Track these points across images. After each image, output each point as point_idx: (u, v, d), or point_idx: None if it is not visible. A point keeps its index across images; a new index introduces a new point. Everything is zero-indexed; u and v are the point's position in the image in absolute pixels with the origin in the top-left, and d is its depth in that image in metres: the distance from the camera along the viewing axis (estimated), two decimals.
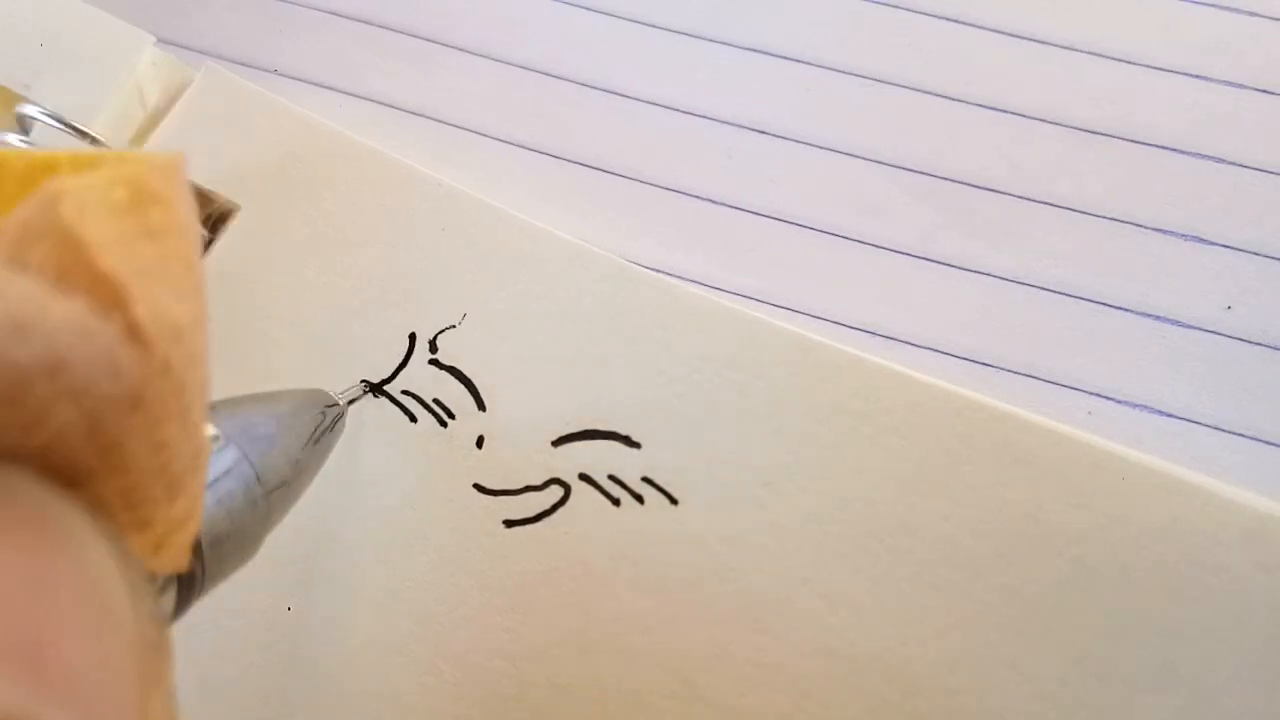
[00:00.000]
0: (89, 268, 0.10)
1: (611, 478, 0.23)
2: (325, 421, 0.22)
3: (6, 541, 0.09)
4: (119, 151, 0.11)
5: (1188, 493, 0.21)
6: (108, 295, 0.10)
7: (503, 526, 0.23)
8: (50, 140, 0.25)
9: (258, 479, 0.18)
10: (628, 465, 0.23)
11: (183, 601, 0.15)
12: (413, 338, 0.25)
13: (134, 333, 0.10)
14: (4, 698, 0.08)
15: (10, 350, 0.09)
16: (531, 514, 0.23)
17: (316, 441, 0.21)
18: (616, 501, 0.23)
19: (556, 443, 0.23)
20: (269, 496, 0.18)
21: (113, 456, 0.10)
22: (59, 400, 0.09)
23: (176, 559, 0.12)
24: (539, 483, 0.23)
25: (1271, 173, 0.26)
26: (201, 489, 0.12)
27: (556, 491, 0.23)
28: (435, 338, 0.24)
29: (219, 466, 0.17)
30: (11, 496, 0.09)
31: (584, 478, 0.23)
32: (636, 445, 0.23)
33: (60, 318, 0.09)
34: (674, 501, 0.22)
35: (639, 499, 0.23)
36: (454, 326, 0.24)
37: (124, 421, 0.10)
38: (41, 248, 0.10)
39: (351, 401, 0.24)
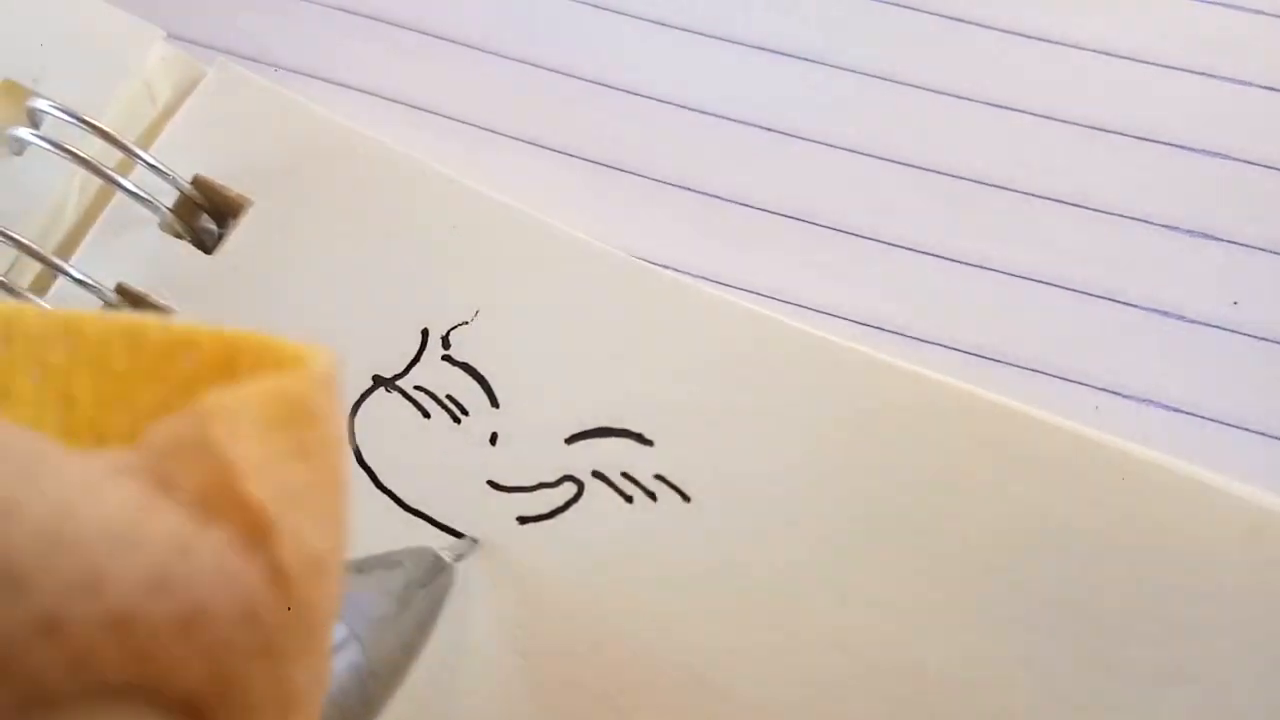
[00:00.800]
0: (237, 496, 0.09)
1: (625, 475, 0.23)
2: (438, 592, 0.20)
3: None
4: (264, 339, 0.11)
5: (1195, 488, 0.21)
6: (254, 528, 0.09)
7: (516, 523, 0.23)
8: (62, 134, 0.25)
9: (368, 665, 0.16)
10: (641, 463, 0.23)
11: None
12: (425, 333, 0.25)
13: (277, 575, 0.10)
14: None
15: (149, 606, 0.09)
16: (545, 511, 0.23)
17: (430, 616, 0.20)
18: (629, 499, 0.23)
19: (570, 440, 0.23)
20: (378, 682, 0.17)
21: (233, 695, 0.10)
22: (192, 656, 0.09)
23: None
24: (552, 480, 0.23)
25: (1277, 169, 0.26)
26: (319, 708, 0.11)
27: (570, 489, 0.23)
28: (448, 334, 0.25)
29: None
30: None
31: (597, 475, 0.23)
32: (649, 443, 0.23)
33: (204, 563, 0.09)
34: (687, 499, 0.23)
35: (652, 496, 0.23)
36: (467, 323, 0.25)
37: (252, 666, 0.10)
38: (189, 468, 0.09)
39: (459, 558, 0.22)
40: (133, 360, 0.11)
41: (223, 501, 0.09)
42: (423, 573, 0.20)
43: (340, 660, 0.16)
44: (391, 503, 0.24)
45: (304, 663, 0.10)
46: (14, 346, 0.11)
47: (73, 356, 0.11)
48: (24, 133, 0.26)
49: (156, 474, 0.09)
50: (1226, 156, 0.26)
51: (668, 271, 0.25)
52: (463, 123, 0.28)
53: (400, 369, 0.25)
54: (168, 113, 0.27)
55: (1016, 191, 0.26)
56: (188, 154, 0.26)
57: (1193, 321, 0.25)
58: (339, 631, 0.16)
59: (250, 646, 0.09)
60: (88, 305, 0.25)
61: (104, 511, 0.09)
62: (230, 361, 0.11)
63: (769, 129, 0.28)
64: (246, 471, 0.09)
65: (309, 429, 0.10)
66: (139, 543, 0.09)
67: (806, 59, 0.28)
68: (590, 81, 0.28)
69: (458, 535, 0.23)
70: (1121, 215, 0.26)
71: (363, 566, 0.19)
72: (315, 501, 0.10)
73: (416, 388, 0.24)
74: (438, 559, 0.21)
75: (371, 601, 0.17)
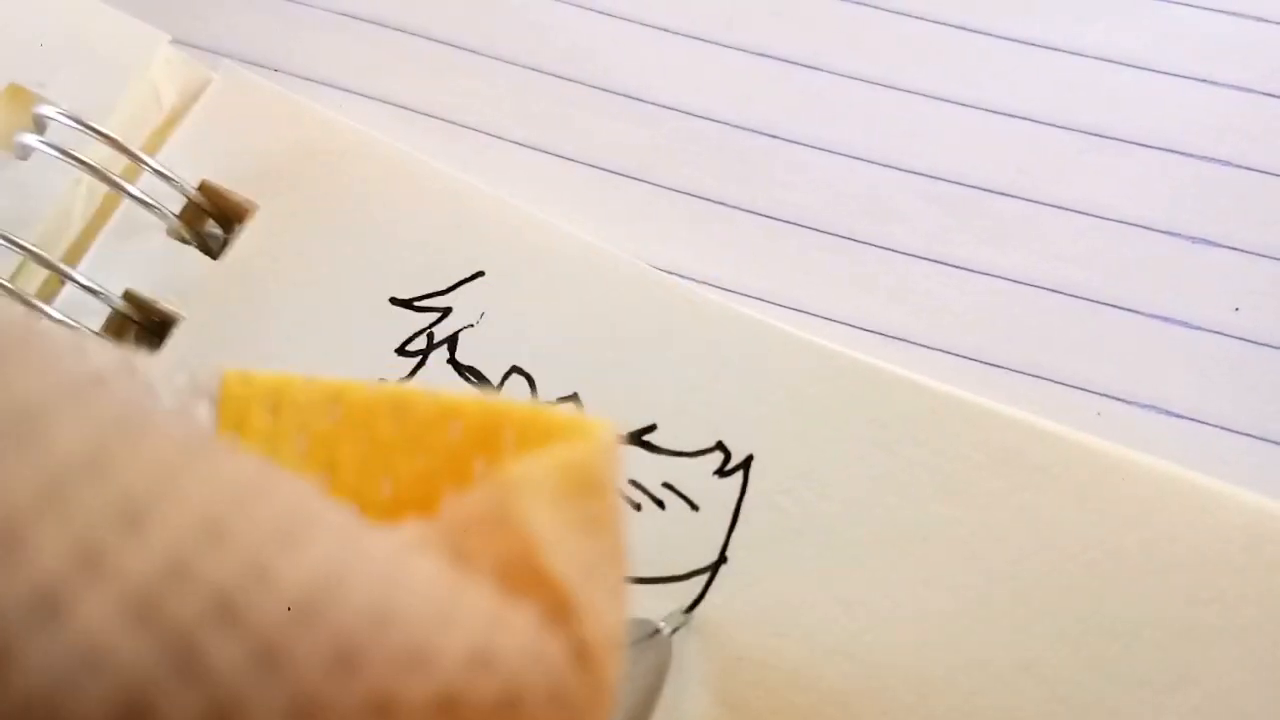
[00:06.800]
0: (537, 570, 0.09)
1: (633, 483, 0.23)
2: (659, 662, 0.20)
3: None
4: (530, 409, 0.11)
5: (1198, 494, 0.22)
6: (556, 605, 0.09)
7: None
8: (66, 140, 0.25)
9: None
10: (648, 470, 0.23)
11: None
12: (430, 336, 0.25)
13: (581, 653, 0.09)
14: None
15: (474, 685, 0.08)
16: None
17: (651, 688, 0.19)
18: (637, 506, 0.23)
19: None
20: None
21: None
22: None
23: None
24: None
25: (1278, 176, 0.26)
26: None
27: None
28: (455, 336, 0.25)
29: None
30: None
31: None
32: (657, 450, 0.23)
33: (517, 641, 0.09)
34: (695, 507, 0.23)
35: (660, 504, 0.23)
36: (472, 326, 0.25)
37: None
38: (489, 541, 0.09)
39: (675, 630, 0.22)
40: (398, 429, 0.11)
41: (523, 576, 0.09)
42: (644, 644, 0.20)
43: None
44: None
45: None
46: (282, 415, 0.11)
47: (339, 425, 0.11)
48: (30, 138, 0.26)
49: (455, 547, 0.09)
50: (1228, 163, 0.26)
51: (672, 277, 0.25)
52: (465, 128, 0.28)
53: (406, 372, 0.25)
54: (174, 117, 0.27)
55: (1018, 198, 0.26)
56: (194, 159, 0.26)
57: (1194, 327, 0.25)
58: None
59: None
60: (95, 311, 0.25)
61: (420, 586, 0.08)
62: (495, 431, 0.11)
63: (771, 135, 0.28)
64: (547, 546, 0.09)
65: (598, 501, 0.10)
66: (458, 619, 0.08)
67: (811, 66, 0.28)
68: (592, 87, 0.28)
69: None
70: (1123, 221, 0.26)
71: None
72: (604, 575, 0.10)
73: None
74: (655, 629, 0.21)
75: None
